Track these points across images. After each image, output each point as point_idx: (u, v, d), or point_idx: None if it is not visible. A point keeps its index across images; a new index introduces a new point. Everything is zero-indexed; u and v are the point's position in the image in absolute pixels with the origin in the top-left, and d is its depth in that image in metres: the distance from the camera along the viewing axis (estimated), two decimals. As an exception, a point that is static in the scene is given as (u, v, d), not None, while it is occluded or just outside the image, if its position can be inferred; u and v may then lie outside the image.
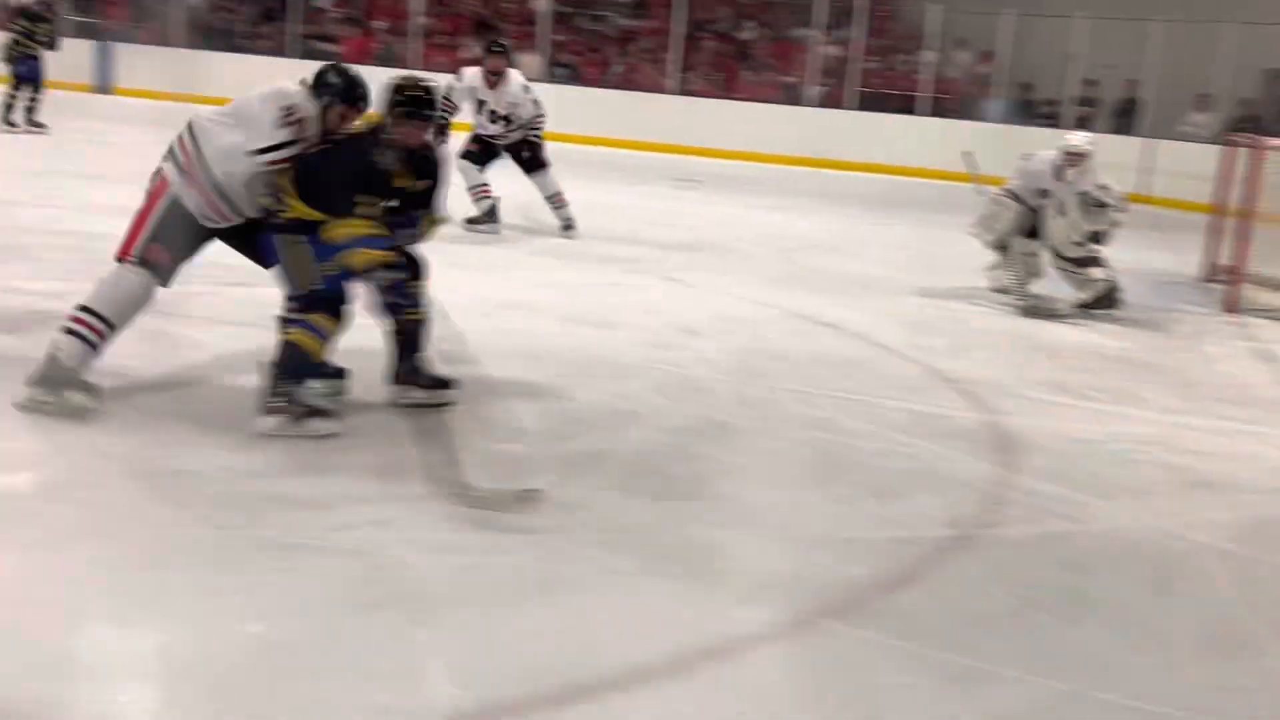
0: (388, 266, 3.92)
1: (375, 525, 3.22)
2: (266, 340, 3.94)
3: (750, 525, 3.48)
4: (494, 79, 8.39)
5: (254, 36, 21.12)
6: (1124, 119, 15.99)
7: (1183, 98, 15.39)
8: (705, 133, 17.55)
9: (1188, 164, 12.52)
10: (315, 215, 3.87)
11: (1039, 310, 6.90)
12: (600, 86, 18.91)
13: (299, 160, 3.94)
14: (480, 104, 8.46)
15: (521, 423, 4.22)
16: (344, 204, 3.86)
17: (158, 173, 4.00)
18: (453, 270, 6.77)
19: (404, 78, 4.14)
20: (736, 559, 3.25)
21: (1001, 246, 7.29)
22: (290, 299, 3.95)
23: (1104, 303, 6.97)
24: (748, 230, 9.74)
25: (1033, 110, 17.42)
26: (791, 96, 18.57)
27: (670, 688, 2.55)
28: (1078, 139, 7.20)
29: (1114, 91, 16.41)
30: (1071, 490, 3.92)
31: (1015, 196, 7.23)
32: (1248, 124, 13.21)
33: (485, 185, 8.47)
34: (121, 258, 3.94)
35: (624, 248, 8.31)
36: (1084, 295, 6.99)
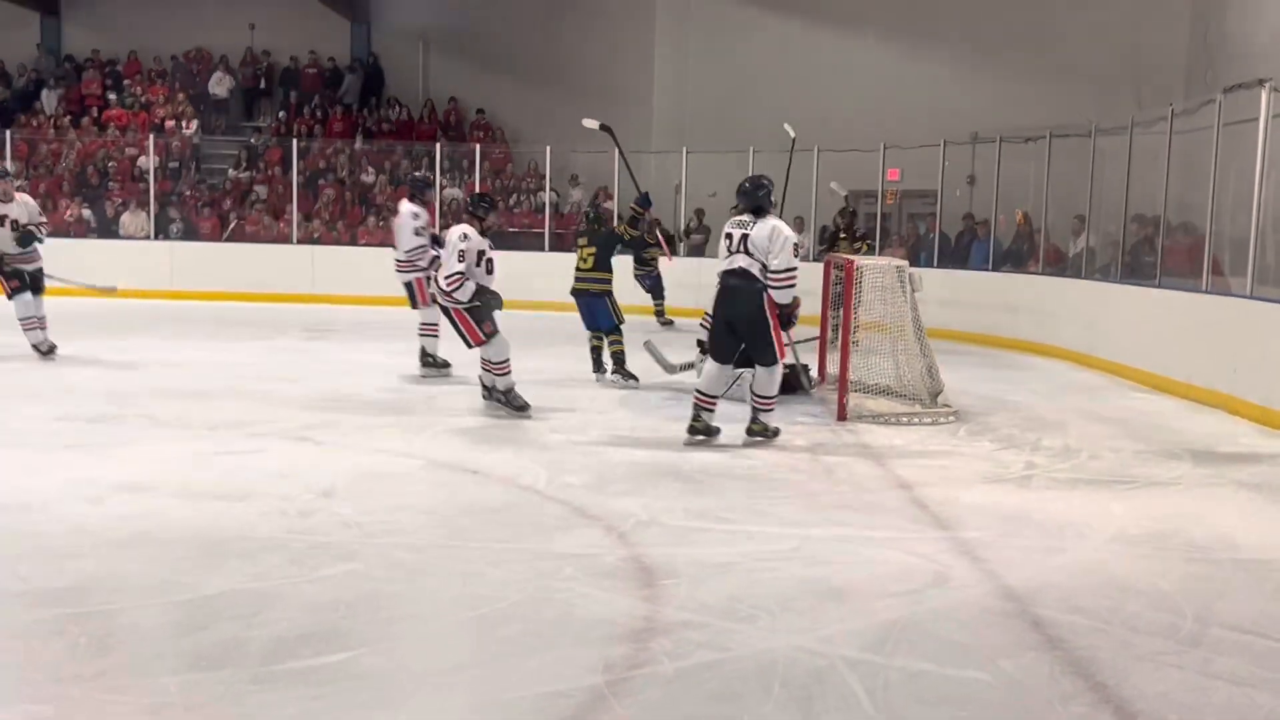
0: None
1: None
2: None
3: (408, 701, 3.34)
4: None
5: None
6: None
7: (786, 218, 16.64)
8: (333, 279, 17.40)
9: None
10: None
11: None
12: (217, 240, 18.45)
13: None
14: None
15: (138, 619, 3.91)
16: None
17: None
18: (50, 452, 6.36)
19: None
20: (389, 741, 3.11)
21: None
22: None
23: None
24: (384, 378, 9.61)
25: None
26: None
27: None
28: None
29: (720, 217, 17.53)
30: (715, 617, 4.03)
31: None
32: (839, 240, 14.38)
33: None
34: None
35: (251, 408, 8.00)
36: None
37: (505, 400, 7.98)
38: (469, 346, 8.04)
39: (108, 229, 18.68)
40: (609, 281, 9.63)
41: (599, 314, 9.59)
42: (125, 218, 18.73)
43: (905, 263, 9.17)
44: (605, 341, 9.73)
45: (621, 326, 9.62)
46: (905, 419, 8.10)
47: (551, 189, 18.94)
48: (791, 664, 3.67)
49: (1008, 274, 14.54)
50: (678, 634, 3.88)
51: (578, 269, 9.65)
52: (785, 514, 5.53)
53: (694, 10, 19.73)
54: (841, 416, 8.07)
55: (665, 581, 4.43)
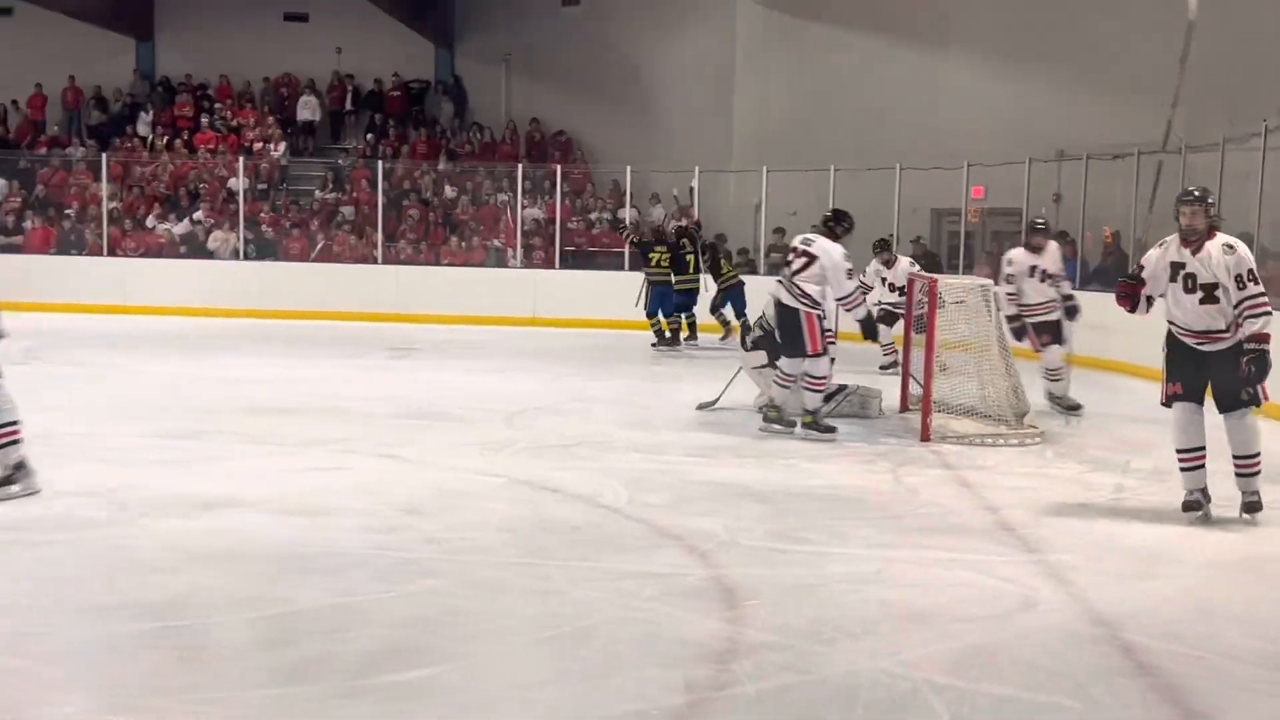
0: None
1: None
2: None
3: (491, 718, 3.37)
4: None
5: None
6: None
7: (863, 238, 16.57)
8: (416, 299, 17.61)
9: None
10: None
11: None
12: (303, 260, 18.80)
13: None
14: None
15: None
16: None
17: None
18: (144, 468, 6.52)
19: None
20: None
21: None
22: None
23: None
24: (465, 397, 9.72)
25: (729, 259, 18.28)
26: (499, 259, 18.95)
27: None
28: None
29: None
30: (797, 639, 4.01)
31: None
32: (923, 260, 14.29)
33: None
34: None
35: (337, 425, 8.13)
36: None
37: (813, 421, 8.03)
38: (796, 354, 7.98)
39: (199, 249, 19.11)
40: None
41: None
42: (215, 237, 19.13)
43: (989, 282, 9.07)
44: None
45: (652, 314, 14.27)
46: (990, 440, 7.98)
47: (632, 207, 19.01)
48: (874, 687, 3.63)
49: (1096, 293, 14.29)
50: (760, 655, 3.87)
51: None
52: (868, 536, 5.49)
53: (775, 28, 19.68)
54: (925, 437, 7.99)
55: (747, 602, 4.41)
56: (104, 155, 19.93)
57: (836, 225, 8.22)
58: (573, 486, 6.30)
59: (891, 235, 13.82)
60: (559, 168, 19.05)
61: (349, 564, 4.77)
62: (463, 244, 18.95)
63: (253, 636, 4.00)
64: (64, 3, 21.01)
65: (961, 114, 17.89)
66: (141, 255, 19.04)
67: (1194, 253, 5.75)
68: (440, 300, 17.26)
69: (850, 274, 8.03)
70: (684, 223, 15.79)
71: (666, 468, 6.95)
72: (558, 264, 18.30)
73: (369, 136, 21.84)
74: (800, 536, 5.41)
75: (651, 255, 14.63)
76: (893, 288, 12.08)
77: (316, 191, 20.68)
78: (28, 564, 4.72)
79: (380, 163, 19.37)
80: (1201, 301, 5.72)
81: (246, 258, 18.57)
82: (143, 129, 22.04)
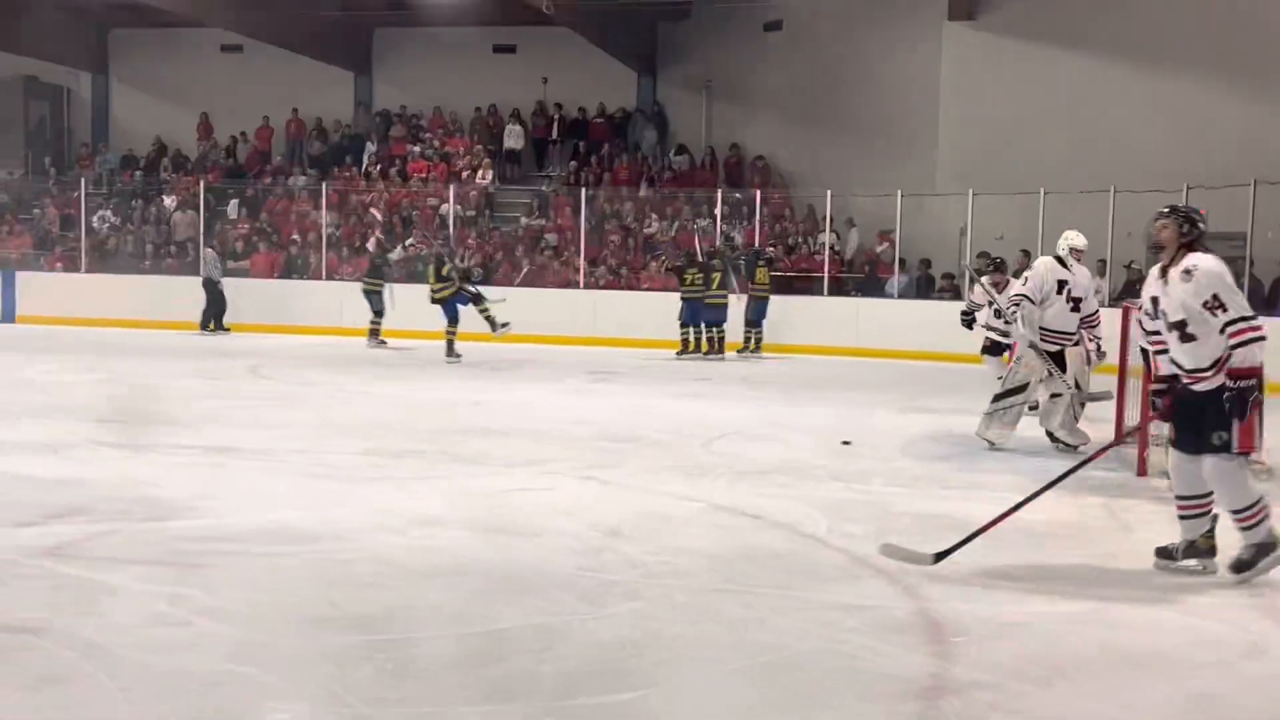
0: None
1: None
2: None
3: (687, 744, 3.38)
4: None
5: (158, 257, 21.26)
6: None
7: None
8: (614, 323, 17.83)
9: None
10: None
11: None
12: (509, 285, 19.24)
13: None
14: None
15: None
16: None
17: None
18: (359, 484, 6.78)
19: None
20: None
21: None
22: None
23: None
24: (665, 421, 9.78)
25: (933, 284, 17.99)
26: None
27: None
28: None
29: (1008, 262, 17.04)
30: (1007, 678, 3.88)
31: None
32: (1138, 285, 13.69)
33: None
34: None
35: (542, 447, 8.29)
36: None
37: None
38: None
39: (413, 274, 19.78)
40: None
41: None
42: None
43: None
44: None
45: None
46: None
47: (832, 231, 18.87)
48: (1092, 733, 3.49)
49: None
50: (968, 694, 3.76)
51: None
52: (1081, 573, 5.28)
53: (982, 49, 19.21)
54: (1141, 472, 7.65)
55: (954, 638, 4.29)
56: (324, 184, 20.93)
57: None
58: (773, 514, 6.26)
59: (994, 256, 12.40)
60: (758, 192, 19.07)
61: (553, 584, 4.85)
62: (662, 270, 19.09)
63: (461, 652, 4.11)
64: (288, 39, 22.20)
65: (1180, 134, 17.11)
66: (358, 279, 19.84)
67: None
68: (637, 325, 17.43)
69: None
70: (716, 246, 17.43)
71: (868, 497, 6.84)
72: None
73: (572, 164, 22.32)
74: (1010, 572, 5.24)
75: (686, 276, 16.02)
76: (998, 313, 10.37)
77: (522, 218, 21.22)
78: (252, 574, 4.95)
79: (583, 189, 19.76)
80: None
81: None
82: (365, 159, 22.97)
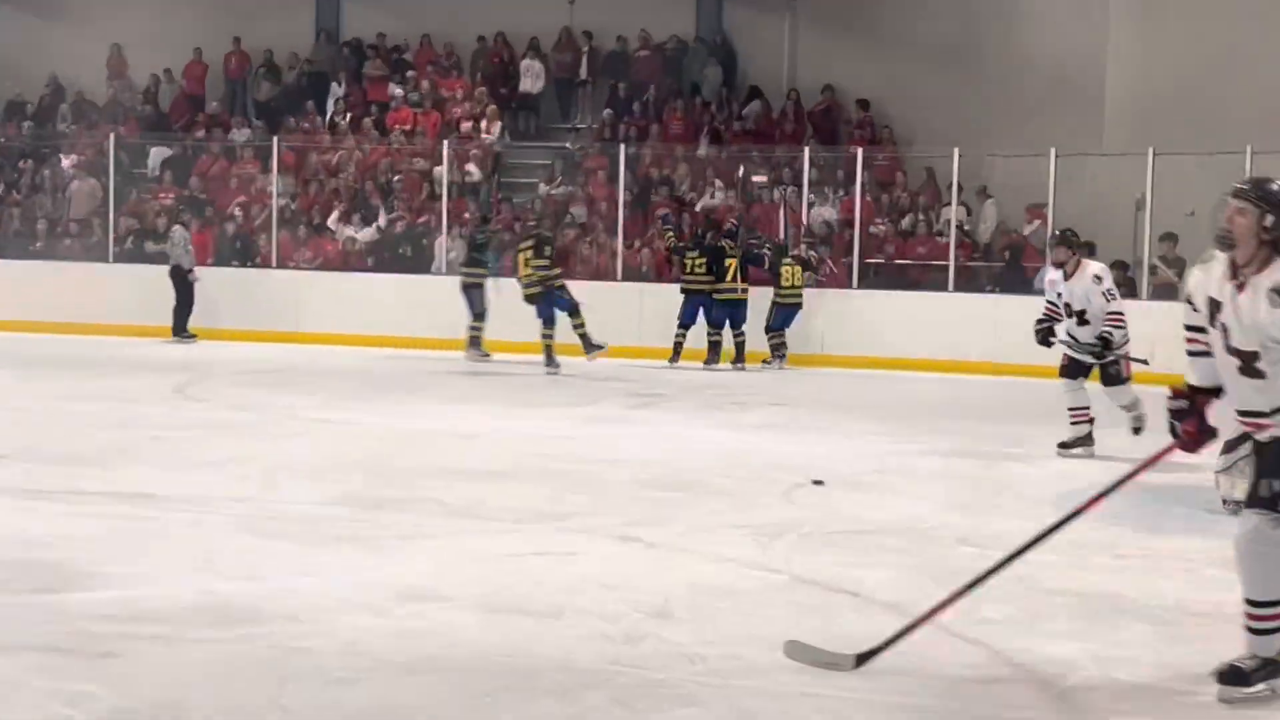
0: None
1: None
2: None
3: None
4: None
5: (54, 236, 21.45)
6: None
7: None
8: (664, 327, 17.74)
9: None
10: None
11: None
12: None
13: None
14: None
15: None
16: None
17: None
18: (322, 545, 6.80)
19: None
20: None
21: None
22: None
23: None
24: (729, 460, 9.77)
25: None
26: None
27: None
28: None
29: (1196, 248, 16.88)
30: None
31: None
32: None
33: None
34: None
35: (563, 495, 8.31)
36: None
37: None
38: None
39: (393, 260, 19.78)
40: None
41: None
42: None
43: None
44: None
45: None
46: None
47: (960, 204, 18.68)
48: None
49: None
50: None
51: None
52: None
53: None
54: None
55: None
56: (275, 140, 20.94)
57: None
58: (878, 589, 6.24)
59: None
60: (859, 151, 18.93)
61: (580, 683, 4.84)
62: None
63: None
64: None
65: None
66: (319, 267, 19.90)
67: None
68: (693, 328, 17.34)
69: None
70: (735, 223, 17.68)
71: (1011, 569, 6.78)
72: (855, 282, 18.20)
73: (608, 113, 22.22)
74: (1204, 674, 5.18)
75: (687, 260, 16.65)
76: (1070, 310, 10.48)
77: (541, 185, 21.18)
78: (177, 667, 4.97)
79: (622, 146, 19.68)
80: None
81: (450, 272, 19.03)
82: (330, 106, 22.96)
